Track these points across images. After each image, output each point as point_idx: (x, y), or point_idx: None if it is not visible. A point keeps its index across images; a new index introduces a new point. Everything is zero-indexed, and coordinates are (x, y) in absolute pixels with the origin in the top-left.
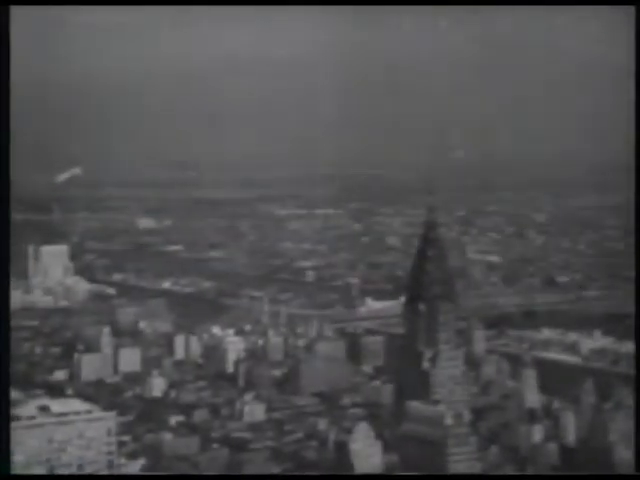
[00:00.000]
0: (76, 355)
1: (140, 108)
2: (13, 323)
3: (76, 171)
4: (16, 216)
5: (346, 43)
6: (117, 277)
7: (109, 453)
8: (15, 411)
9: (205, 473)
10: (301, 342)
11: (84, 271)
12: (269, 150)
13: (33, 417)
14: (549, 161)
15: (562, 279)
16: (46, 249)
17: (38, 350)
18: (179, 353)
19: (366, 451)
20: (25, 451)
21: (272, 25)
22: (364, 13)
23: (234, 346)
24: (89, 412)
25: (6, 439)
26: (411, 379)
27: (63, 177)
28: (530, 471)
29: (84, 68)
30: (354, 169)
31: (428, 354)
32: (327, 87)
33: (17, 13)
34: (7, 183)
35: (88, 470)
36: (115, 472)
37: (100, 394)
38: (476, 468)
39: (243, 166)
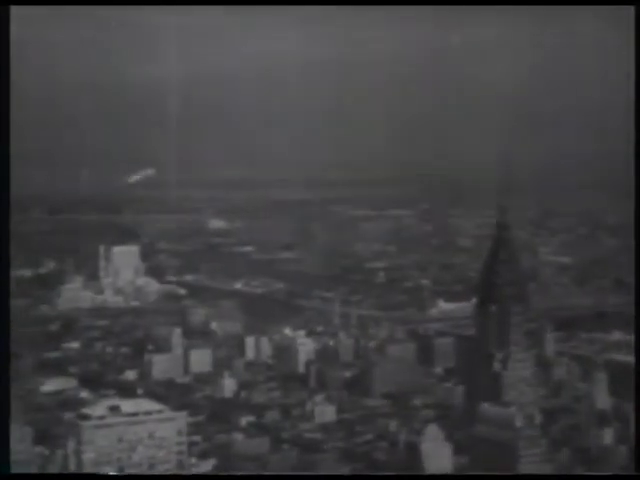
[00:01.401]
0: (147, 355)
1: (214, 109)
2: (84, 323)
3: (149, 172)
4: (87, 217)
5: (417, 45)
6: (188, 278)
7: (180, 453)
8: (86, 410)
9: (275, 473)
10: (372, 343)
11: (155, 271)
12: (341, 151)
13: (103, 417)
14: (619, 160)
15: (633, 280)
16: (117, 249)
17: (109, 350)
18: (250, 354)
19: (436, 452)
20: (95, 450)
21: (344, 26)
22: (444, 13)
23: (305, 347)
24: (160, 412)
25: (6, 439)
26: (482, 381)
27: (135, 178)
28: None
29: (162, 69)
30: (425, 170)
31: (499, 356)
32: (397, 89)
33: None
34: (7, 184)
35: (159, 470)
36: (186, 472)
37: (170, 394)
38: (546, 470)
39: (315, 167)
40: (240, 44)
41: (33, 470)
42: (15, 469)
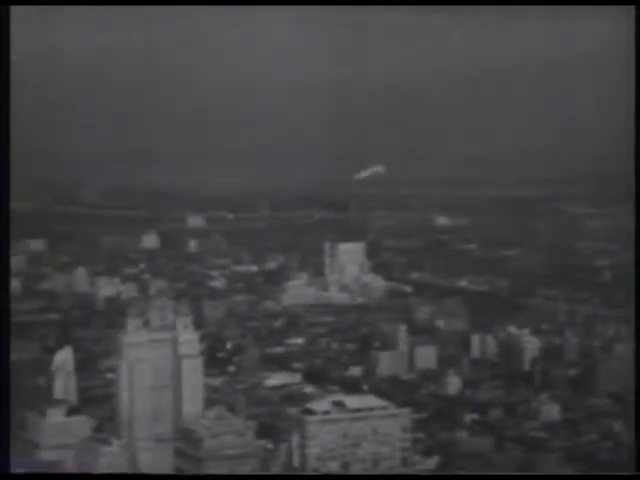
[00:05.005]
0: (372, 352)
1: (439, 108)
2: (309, 319)
3: (378, 169)
4: (313, 213)
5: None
6: (414, 275)
7: (404, 450)
8: (310, 406)
9: (499, 472)
10: (597, 342)
11: (381, 268)
12: (565, 148)
13: (328, 412)
14: None
15: None
16: (343, 246)
17: (334, 346)
18: (475, 351)
19: None
20: (320, 445)
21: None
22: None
23: (530, 345)
24: (384, 408)
25: (6, 438)
26: None
27: (363, 175)
28: None
29: (382, 68)
30: None
31: None
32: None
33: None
34: (7, 182)
35: (382, 466)
36: (409, 469)
37: (395, 391)
38: None
39: (539, 164)
40: (444, 45)
41: (256, 464)
42: (235, 464)
